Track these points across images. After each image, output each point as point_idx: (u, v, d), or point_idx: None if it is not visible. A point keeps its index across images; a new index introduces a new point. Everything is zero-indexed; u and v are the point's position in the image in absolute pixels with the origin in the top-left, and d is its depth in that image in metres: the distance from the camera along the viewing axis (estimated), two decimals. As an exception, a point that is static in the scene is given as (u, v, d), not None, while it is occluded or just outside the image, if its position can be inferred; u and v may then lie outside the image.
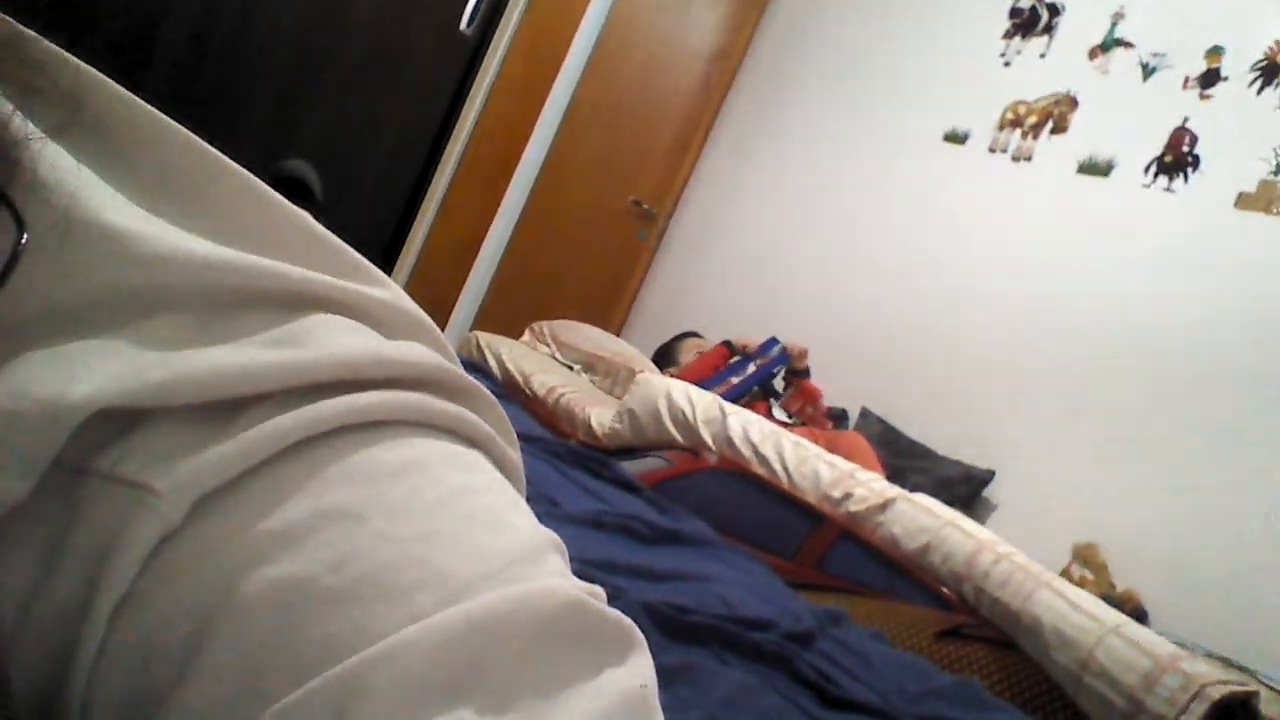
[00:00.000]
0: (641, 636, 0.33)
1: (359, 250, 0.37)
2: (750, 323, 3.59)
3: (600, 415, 2.68)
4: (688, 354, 3.35)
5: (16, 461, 0.27)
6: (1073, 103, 3.28)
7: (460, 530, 0.30)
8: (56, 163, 0.31)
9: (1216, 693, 1.47)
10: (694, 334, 3.54)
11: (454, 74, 3.45)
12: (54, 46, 0.33)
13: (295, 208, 0.36)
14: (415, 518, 0.30)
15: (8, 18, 0.31)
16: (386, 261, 3.58)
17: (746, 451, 2.31)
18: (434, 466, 0.32)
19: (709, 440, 2.38)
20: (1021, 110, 3.40)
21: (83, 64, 0.34)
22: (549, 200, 4.01)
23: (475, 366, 2.67)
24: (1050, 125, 3.31)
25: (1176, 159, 2.96)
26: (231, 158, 0.36)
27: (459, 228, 3.71)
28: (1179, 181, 2.94)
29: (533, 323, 3.57)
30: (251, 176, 0.36)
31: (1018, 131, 3.39)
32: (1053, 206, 3.23)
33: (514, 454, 0.38)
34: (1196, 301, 2.82)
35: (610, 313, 4.42)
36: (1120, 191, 3.08)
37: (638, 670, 0.31)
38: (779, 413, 3.06)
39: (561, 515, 1.45)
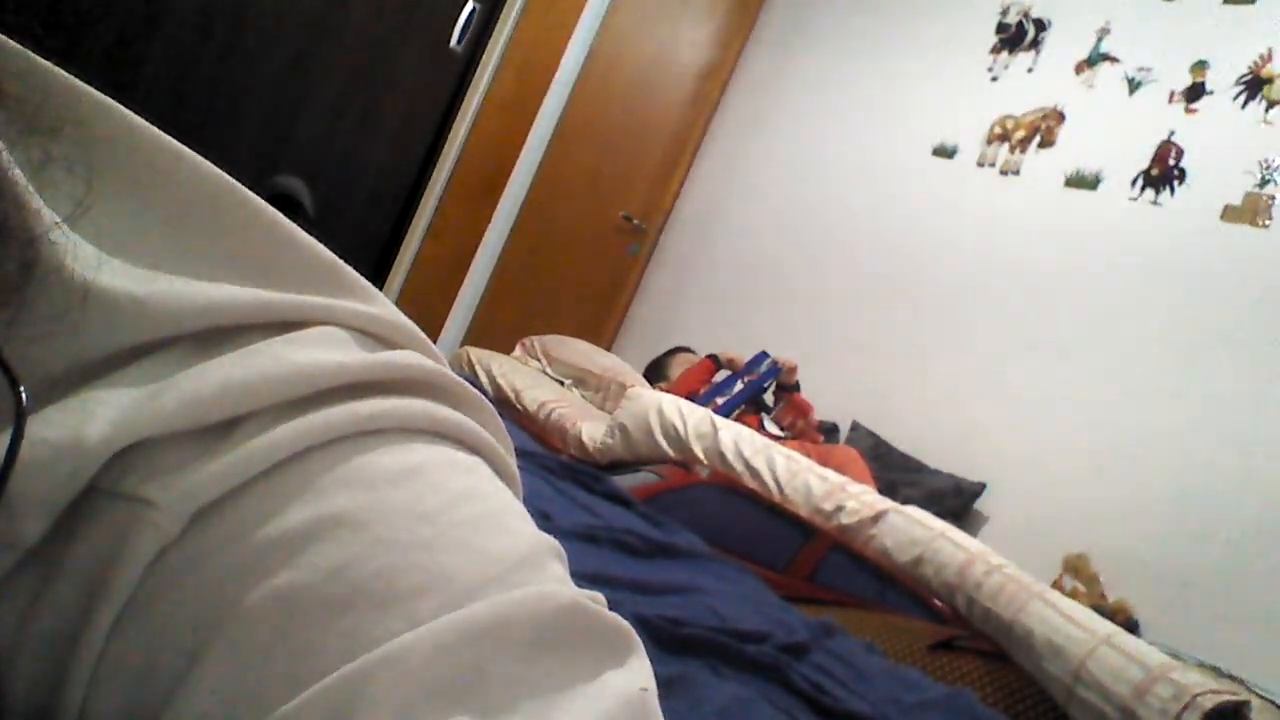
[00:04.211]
0: (639, 642, 0.33)
1: (349, 266, 0.37)
2: (741, 337, 3.60)
3: (591, 430, 2.67)
4: (679, 369, 3.35)
5: (36, 508, 0.28)
6: (1060, 117, 3.30)
7: (460, 536, 0.30)
8: (80, 244, 0.32)
9: (1208, 702, 1.48)
10: (685, 349, 3.54)
11: (444, 91, 3.46)
12: (59, 70, 0.34)
13: (294, 225, 0.36)
14: (415, 524, 0.30)
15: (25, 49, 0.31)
16: (377, 277, 3.58)
17: (738, 465, 2.31)
18: (434, 472, 0.32)
19: (701, 454, 2.38)
20: (1009, 124, 3.42)
21: (89, 90, 0.34)
22: (539, 216, 4.02)
23: (466, 380, 2.67)
24: (1038, 139, 3.34)
25: (1163, 172, 2.98)
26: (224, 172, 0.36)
27: (450, 243, 3.72)
28: (1165, 194, 2.97)
29: (523, 338, 3.58)
30: (250, 195, 0.36)
31: (1005, 145, 3.41)
32: (1040, 219, 3.25)
33: (512, 461, 0.39)
34: (1183, 314, 2.84)
35: (601, 327, 4.43)
36: (1107, 204, 3.10)
37: (638, 673, 0.31)
38: (771, 426, 3.06)
39: (554, 529, 1.44)
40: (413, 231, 3.58)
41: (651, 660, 0.33)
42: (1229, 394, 2.69)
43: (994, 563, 1.93)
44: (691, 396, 2.95)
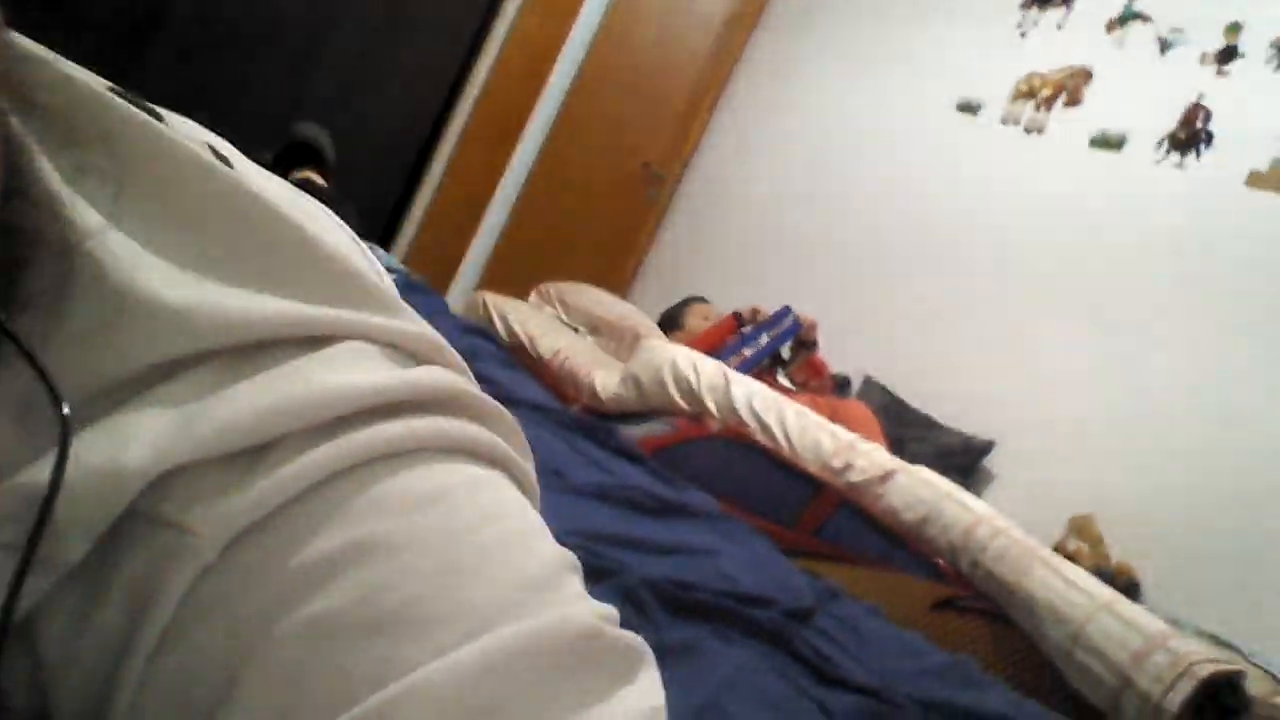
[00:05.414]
0: (651, 655, 0.34)
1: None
2: (756, 288, 3.59)
3: (604, 379, 2.68)
4: (694, 319, 3.34)
5: (78, 530, 0.29)
6: (1088, 75, 3.25)
7: (483, 560, 0.32)
8: (116, 253, 0.32)
9: (1203, 671, 1.50)
10: (700, 299, 3.53)
11: (468, 31, 3.43)
12: (86, 80, 0.34)
13: (321, 237, 0.37)
14: (441, 549, 0.31)
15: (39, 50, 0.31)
16: (394, 218, 3.58)
17: (749, 419, 2.33)
18: (459, 493, 0.33)
19: (712, 408, 2.39)
20: (1036, 82, 3.37)
21: (116, 100, 0.35)
22: (558, 161, 4.00)
23: (481, 329, 2.68)
24: (1064, 98, 3.29)
25: (1189, 135, 2.94)
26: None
27: (467, 185, 3.71)
28: (1190, 158, 2.93)
29: (539, 284, 3.57)
30: (278, 206, 0.36)
31: (1031, 103, 3.36)
32: (1063, 179, 3.22)
33: (531, 471, 0.40)
34: (1202, 278, 2.81)
35: (617, 275, 4.42)
36: (1131, 166, 3.06)
37: (649, 689, 0.32)
38: (784, 380, 3.06)
39: (566, 487, 1.47)
40: (431, 172, 3.58)
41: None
42: (1245, 359, 2.67)
43: (999, 525, 1.94)
44: (713, 353, 2.95)
